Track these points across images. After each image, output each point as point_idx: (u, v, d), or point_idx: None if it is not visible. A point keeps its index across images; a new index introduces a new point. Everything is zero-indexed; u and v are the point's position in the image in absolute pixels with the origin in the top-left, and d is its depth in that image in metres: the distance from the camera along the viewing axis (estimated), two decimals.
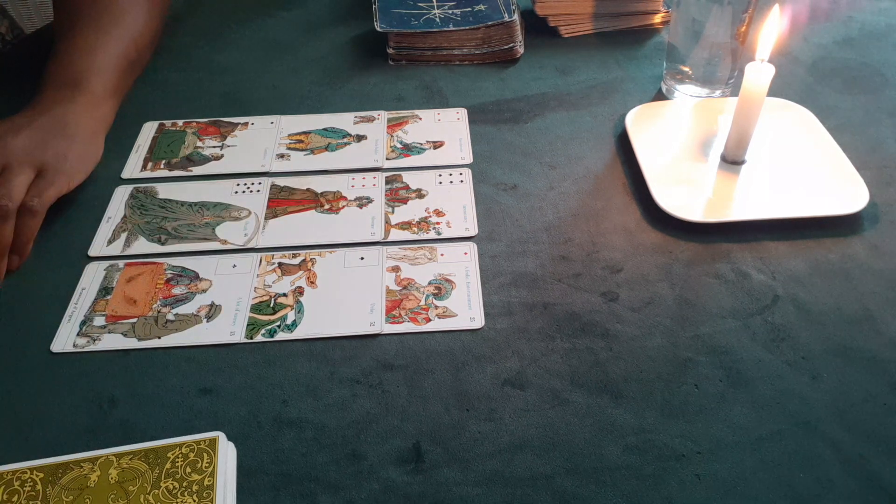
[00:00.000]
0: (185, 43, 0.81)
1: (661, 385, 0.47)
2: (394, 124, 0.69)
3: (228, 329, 0.51)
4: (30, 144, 0.57)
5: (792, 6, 0.87)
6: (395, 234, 0.57)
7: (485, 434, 0.45)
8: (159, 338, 0.50)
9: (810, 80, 0.74)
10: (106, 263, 0.55)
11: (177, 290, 0.53)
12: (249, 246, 0.57)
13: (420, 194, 0.61)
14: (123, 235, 0.58)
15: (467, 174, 0.63)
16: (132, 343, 0.50)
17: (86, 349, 0.49)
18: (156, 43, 0.76)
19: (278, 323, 0.51)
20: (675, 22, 0.67)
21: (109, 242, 0.57)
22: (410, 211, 0.60)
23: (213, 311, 0.52)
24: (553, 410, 0.46)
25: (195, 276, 0.54)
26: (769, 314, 0.51)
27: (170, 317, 0.51)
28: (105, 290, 0.53)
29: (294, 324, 0.51)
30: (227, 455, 0.42)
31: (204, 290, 0.53)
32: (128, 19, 0.71)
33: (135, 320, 0.51)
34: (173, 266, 0.55)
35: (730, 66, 0.67)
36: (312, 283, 0.54)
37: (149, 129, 0.69)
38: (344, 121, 0.69)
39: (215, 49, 0.81)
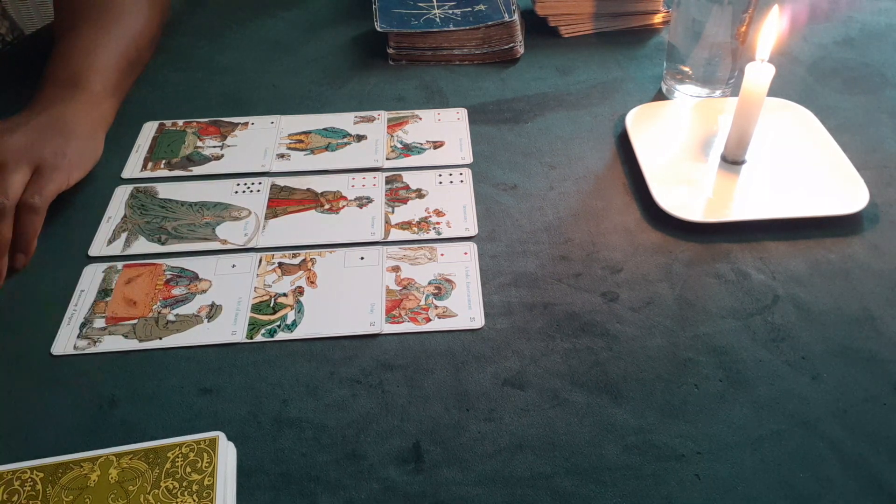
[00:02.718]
0: (185, 43, 0.81)
1: (661, 385, 0.47)
2: (394, 124, 0.69)
3: (230, 329, 0.51)
4: (27, 142, 0.57)
5: (792, 6, 0.87)
6: (395, 234, 0.57)
7: (485, 434, 0.45)
8: (160, 338, 0.50)
9: (810, 80, 0.74)
10: (104, 265, 0.55)
11: (176, 291, 0.53)
12: (249, 246, 0.57)
13: (420, 194, 0.61)
14: (123, 235, 0.58)
15: (467, 174, 0.63)
16: (133, 344, 0.50)
17: (86, 351, 0.49)
18: (156, 43, 0.76)
19: (278, 323, 0.51)
20: (675, 22, 0.67)
21: (109, 242, 0.57)
22: (410, 211, 0.60)
23: (213, 311, 0.52)
24: (553, 410, 0.46)
25: (194, 277, 0.54)
26: (769, 314, 0.51)
27: (171, 317, 0.51)
28: (104, 293, 0.53)
29: (294, 324, 0.51)
30: (226, 455, 0.42)
31: (204, 291, 0.53)
32: (128, 19, 0.71)
33: (135, 321, 0.51)
34: (172, 267, 0.55)
35: (730, 66, 0.67)
36: (312, 282, 0.54)
37: (149, 129, 0.69)
38: (344, 121, 0.69)
39: (215, 49, 0.81)
